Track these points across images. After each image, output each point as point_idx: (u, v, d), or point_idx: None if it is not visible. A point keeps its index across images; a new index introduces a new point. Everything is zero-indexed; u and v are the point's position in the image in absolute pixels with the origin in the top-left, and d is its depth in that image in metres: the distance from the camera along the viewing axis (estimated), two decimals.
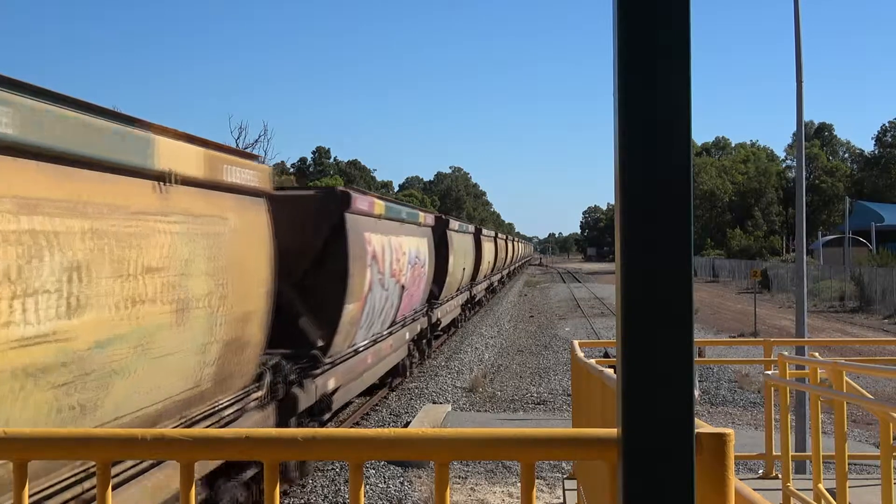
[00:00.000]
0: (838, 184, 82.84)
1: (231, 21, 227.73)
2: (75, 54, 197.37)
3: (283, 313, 9.28)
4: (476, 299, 35.01)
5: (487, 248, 36.63)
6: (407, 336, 17.09)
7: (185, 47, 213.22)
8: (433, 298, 21.05)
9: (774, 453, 7.75)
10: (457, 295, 26.92)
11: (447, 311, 24.00)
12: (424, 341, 20.44)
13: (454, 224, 24.72)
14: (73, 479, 4.82)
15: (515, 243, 72.95)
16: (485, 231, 36.81)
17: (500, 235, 49.68)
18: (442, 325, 23.43)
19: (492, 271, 42.35)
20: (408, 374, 18.33)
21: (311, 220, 10.68)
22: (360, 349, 12.73)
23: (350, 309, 11.15)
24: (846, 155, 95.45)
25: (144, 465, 5.52)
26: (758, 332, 27.40)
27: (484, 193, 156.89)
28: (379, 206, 13.00)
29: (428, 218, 19.25)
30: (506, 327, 31.98)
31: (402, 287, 15.14)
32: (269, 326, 8.12)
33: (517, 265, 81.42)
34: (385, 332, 14.73)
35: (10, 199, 4.18)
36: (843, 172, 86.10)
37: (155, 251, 5.57)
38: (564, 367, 20.11)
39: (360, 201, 11.69)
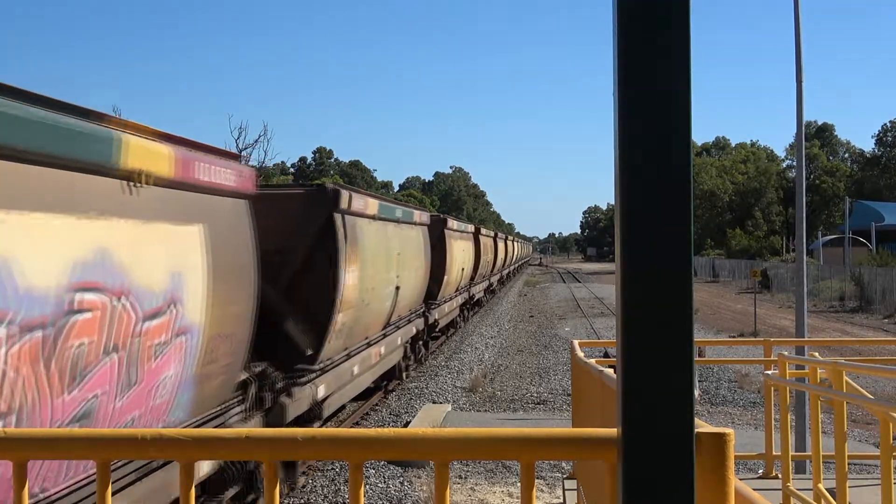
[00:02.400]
0: (838, 184, 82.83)
1: (232, 22, 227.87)
2: (76, 54, 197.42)
3: None
4: (438, 326, 22.89)
5: (460, 249, 25.97)
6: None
7: (186, 47, 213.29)
8: (297, 360, 10.19)
9: (774, 453, 7.75)
10: (398, 327, 16.24)
11: (361, 368, 12.85)
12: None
13: (362, 203, 12.05)
14: None
15: (512, 243, 64.13)
16: (456, 225, 25.85)
17: (484, 232, 37.37)
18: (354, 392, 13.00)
19: (472, 280, 32.13)
20: None
21: None
22: None
23: None
24: (846, 155, 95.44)
25: None
26: (758, 332, 27.40)
27: (484, 194, 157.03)
28: None
29: (231, 171, 7.45)
30: (505, 327, 31.97)
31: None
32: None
33: (515, 267, 74.90)
34: None
35: None
36: (844, 172, 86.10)
37: None
38: (564, 367, 20.11)
39: None
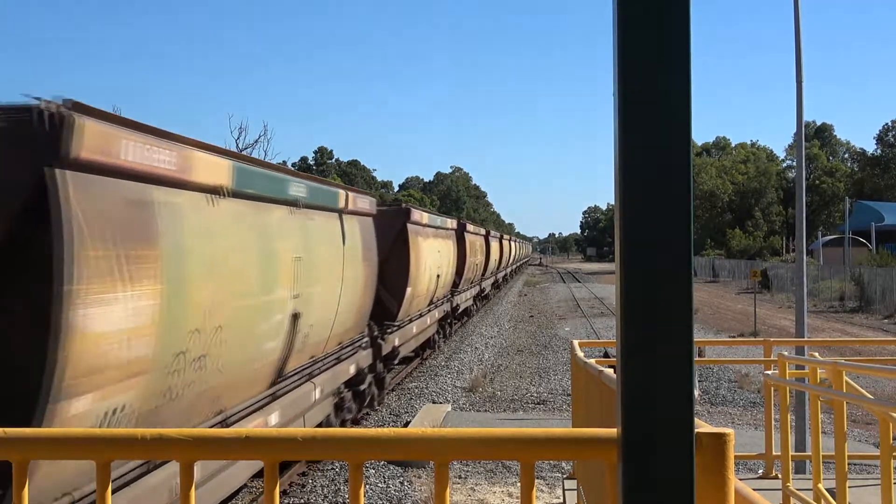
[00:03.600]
0: (838, 184, 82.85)
1: (232, 21, 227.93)
2: (75, 52, 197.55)
3: None
4: (399, 354, 16.77)
5: (433, 249, 20.01)
6: None
7: (186, 47, 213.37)
8: None
9: (774, 453, 7.75)
10: (311, 375, 10.24)
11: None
12: None
13: (170, 157, 5.79)
14: None
15: (509, 242, 58.72)
16: (427, 218, 19.70)
17: (471, 229, 30.39)
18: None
19: (456, 288, 26.22)
20: None
21: None
22: None
23: None
24: (846, 155, 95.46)
25: None
26: (758, 332, 27.40)
27: (485, 194, 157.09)
28: None
29: None
30: (505, 327, 31.98)
31: None
32: None
33: (513, 268, 71.92)
34: None
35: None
36: (843, 172, 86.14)
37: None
38: (564, 367, 20.11)
39: None
